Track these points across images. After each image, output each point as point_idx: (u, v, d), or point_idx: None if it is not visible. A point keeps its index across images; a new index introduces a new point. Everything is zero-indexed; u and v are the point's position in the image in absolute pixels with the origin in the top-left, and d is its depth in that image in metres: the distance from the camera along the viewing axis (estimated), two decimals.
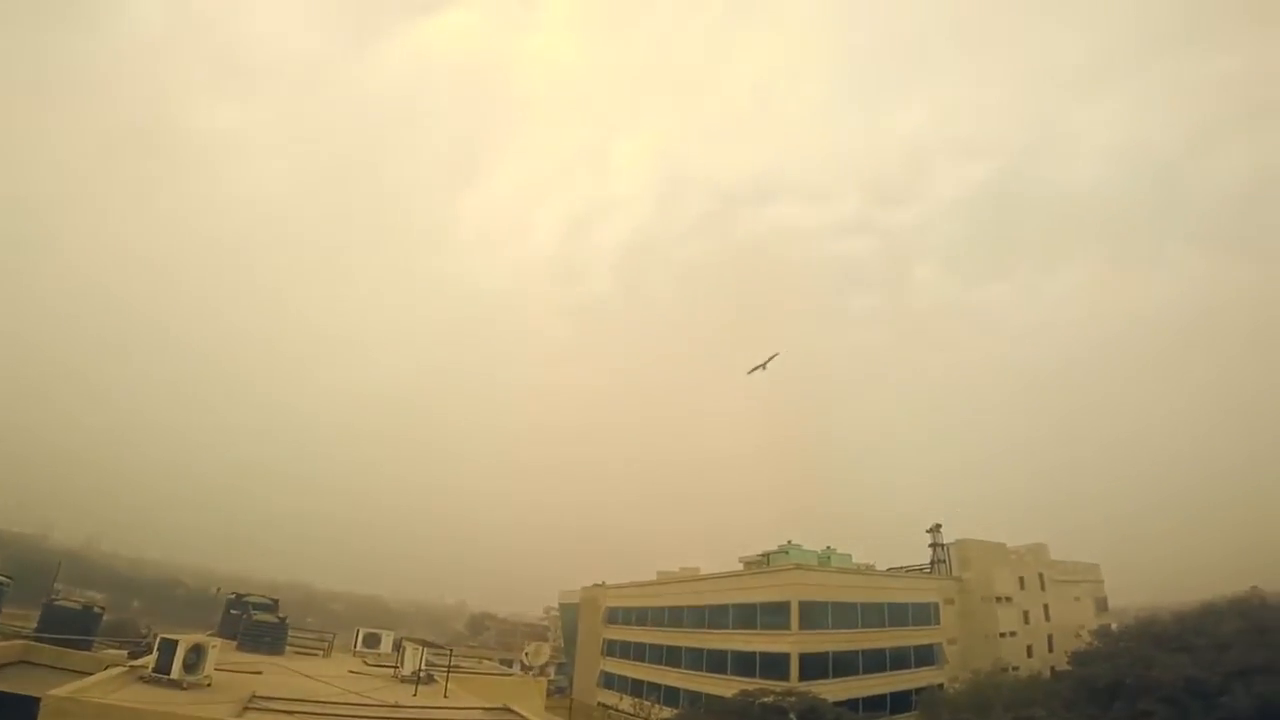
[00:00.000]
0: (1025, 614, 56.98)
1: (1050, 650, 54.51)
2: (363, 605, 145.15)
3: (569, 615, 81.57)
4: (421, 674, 18.56)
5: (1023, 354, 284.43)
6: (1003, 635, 54.30)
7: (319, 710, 12.55)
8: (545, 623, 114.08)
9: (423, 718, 14.22)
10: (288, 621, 23.79)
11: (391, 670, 20.08)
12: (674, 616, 56.94)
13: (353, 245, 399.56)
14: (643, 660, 58.71)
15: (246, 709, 11.61)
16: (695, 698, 47.34)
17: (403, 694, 16.60)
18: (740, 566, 57.81)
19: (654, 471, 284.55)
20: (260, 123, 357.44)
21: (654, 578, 68.02)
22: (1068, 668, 37.72)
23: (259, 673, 16.38)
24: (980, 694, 34.96)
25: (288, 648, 22.48)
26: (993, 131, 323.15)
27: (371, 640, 25.30)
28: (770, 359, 51.72)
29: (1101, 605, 64.69)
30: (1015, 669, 46.68)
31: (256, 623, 22.09)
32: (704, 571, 61.67)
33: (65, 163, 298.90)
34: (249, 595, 26.46)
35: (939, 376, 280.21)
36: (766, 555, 57.01)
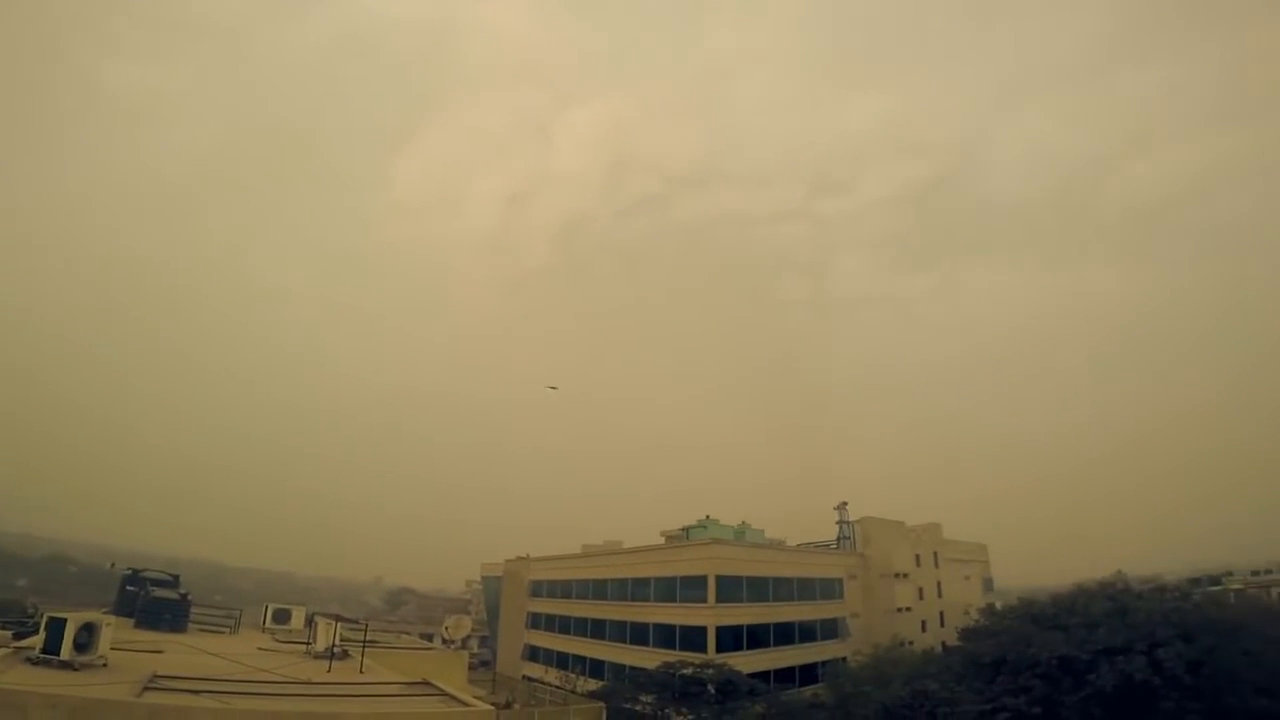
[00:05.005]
0: (920, 590, 60.77)
1: (942, 625, 58.47)
2: (273, 582, 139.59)
3: (491, 588, 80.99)
4: (335, 650, 18.22)
5: (936, 345, 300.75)
6: (900, 610, 57.79)
7: (226, 689, 12.18)
8: (467, 596, 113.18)
9: (337, 694, 14.01)
10: (190, 598, 22.82)
11: (303, 647, 19.59)
12: (598, 589, 57.43)
13: (279, 209, 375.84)
14: (568, 633, 59.32)
15: (146, 689, 11.14)
16: (619, 669, 48.05)
17: (315, 670, 16.30)
18: (662, 540, 58.59)
19: (580, 446, 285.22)
20: (186, 82, 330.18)
21: (578, 551, 68.38)
22: (958, 643, 40.17)
23: (160, 651, 15.76)
24: (880, 667, 37.02)
25: (191, 625, 21.61)
26: (931, 134, 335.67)
27: (281, 616, 24.67)
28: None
29: (988, 584, 70.11)
30: (911, 643, 49.92)
31: (155, 599, 21.06)
32: (627, 545, 62.35)
33: None
34: (146, 571, 25.16)
35: (857, 363, 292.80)
36: (686, 530, 57.60)
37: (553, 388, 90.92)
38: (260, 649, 19.16)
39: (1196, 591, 39.17)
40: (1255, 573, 75.05)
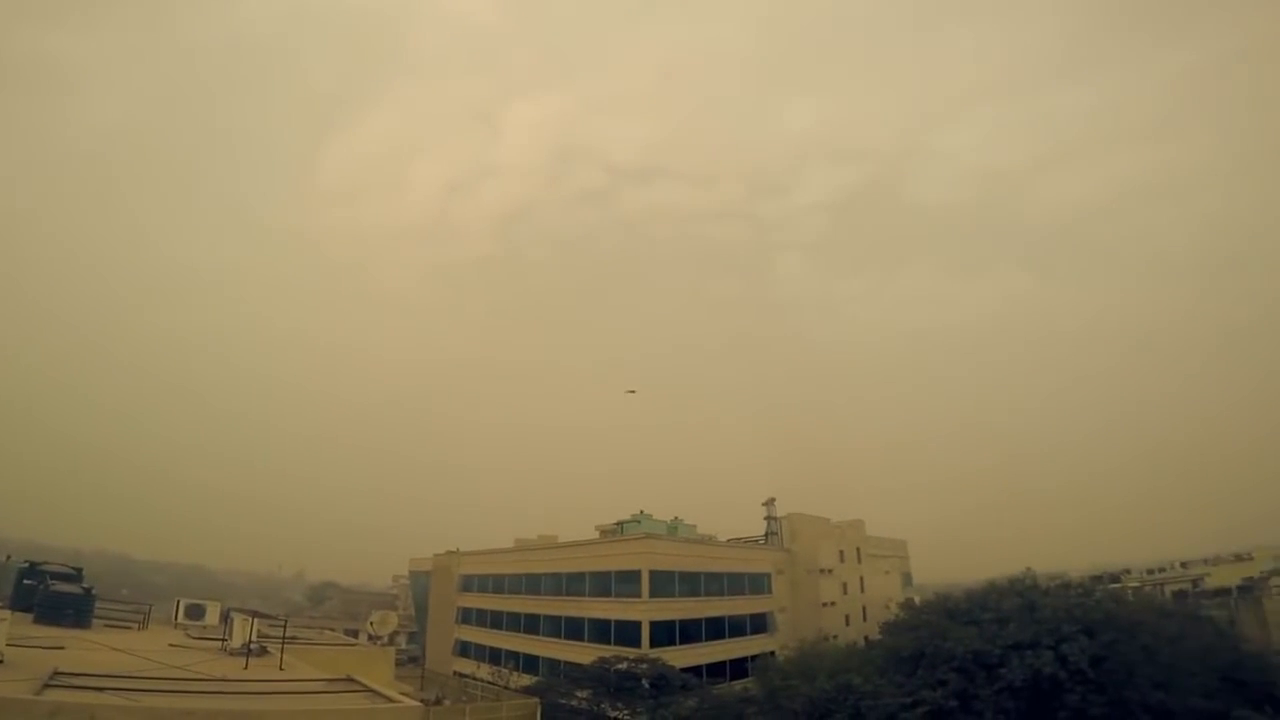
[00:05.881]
0: (844, 585, 63.01)
1: (864, 619, 60.82)
2: (186, 576, 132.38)
3: (420, 583, 79.05)
4: (253, 646, 17.60)
5: (865, 345, 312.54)
6: (825, 605, 59.75)
7: (133, 686, 11.54)
8: (394, 591, 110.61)
9: (254, 691, 13.47)
10: (95, 592, 21.46)
11: (218, 643, 18.80)
12: (532, 584, 56.85)
13: (207, 188, 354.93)
14: (500, 628, 58.49)
15: (47, 686, 10.46)
16: (554, 665, 47.78)
17: (232, 668, 15.63)
18: (596, 535, 58.46)
19: (515, 439, 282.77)
20: (109, 51, 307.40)
21: (511, 545, 67.67)
22: (879, 637, 41.99)
23: (61, 648, 14.81)
24: (806, 661, 38.06)
25: (96, 621, 20.39)
26: (867, 141, 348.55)
27: (195, 612, 23.64)
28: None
29: (907, 579, 73.49)
30: (835, 637, 51.62)
31: (56, 593, 19.77)
32: (561, 539, 61.95)
33: None
34: (46, 564, 23.58)
35: (788, 361, 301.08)
36: (620, 524, 57.92)
37: (631, 391, 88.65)
38: (171, 645, 18.27)
39: (1098, 589, 41.63)
40: (1151, 571, 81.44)
